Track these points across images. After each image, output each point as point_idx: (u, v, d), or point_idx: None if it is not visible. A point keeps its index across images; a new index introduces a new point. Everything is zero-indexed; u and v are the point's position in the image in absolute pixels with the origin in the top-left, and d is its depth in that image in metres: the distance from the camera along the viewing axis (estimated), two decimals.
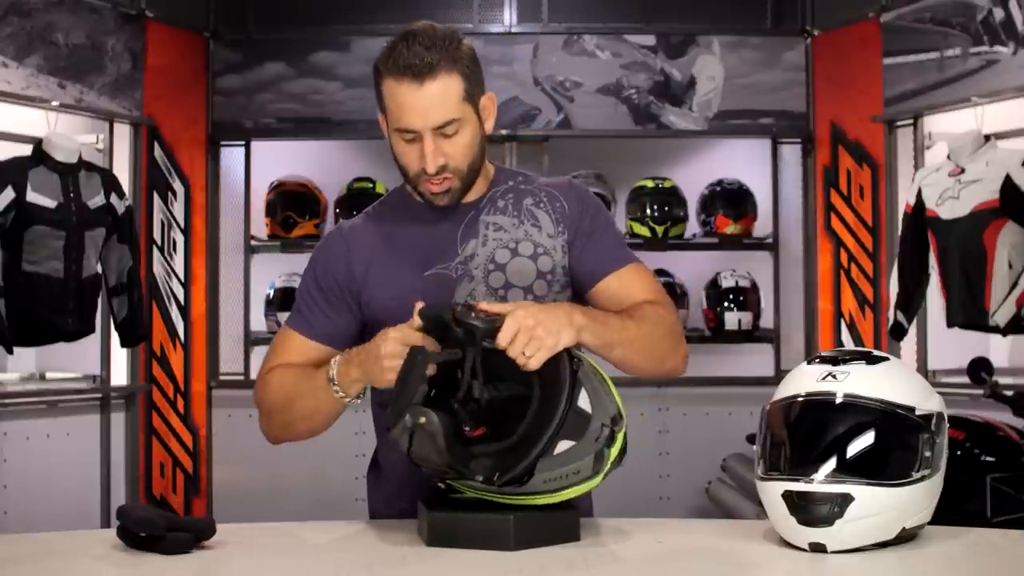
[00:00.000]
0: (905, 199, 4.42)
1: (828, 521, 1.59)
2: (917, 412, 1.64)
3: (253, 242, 5.23)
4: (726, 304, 5.17)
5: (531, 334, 1.65)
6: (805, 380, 1.69)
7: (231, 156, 5.29)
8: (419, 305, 1.72)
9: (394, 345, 1.72)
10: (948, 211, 4.13)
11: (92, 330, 4.37)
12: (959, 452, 3.20)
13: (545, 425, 1.62)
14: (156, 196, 5.00)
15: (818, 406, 1.66)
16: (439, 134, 1.85)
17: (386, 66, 1.85)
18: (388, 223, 2.00)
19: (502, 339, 1.64)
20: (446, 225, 1.96)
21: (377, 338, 1.76)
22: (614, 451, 1.67)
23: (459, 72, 1.85)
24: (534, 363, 1.65)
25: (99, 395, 4.74)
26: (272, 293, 5.18)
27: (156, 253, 5.01)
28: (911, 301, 4.36)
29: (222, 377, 5.20)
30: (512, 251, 1.96)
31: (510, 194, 2.00)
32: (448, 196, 1.91)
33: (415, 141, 1.86)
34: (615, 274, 1.97)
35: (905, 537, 1.64)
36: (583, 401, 1.65)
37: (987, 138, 4.12)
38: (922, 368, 4.56)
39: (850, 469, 1.60)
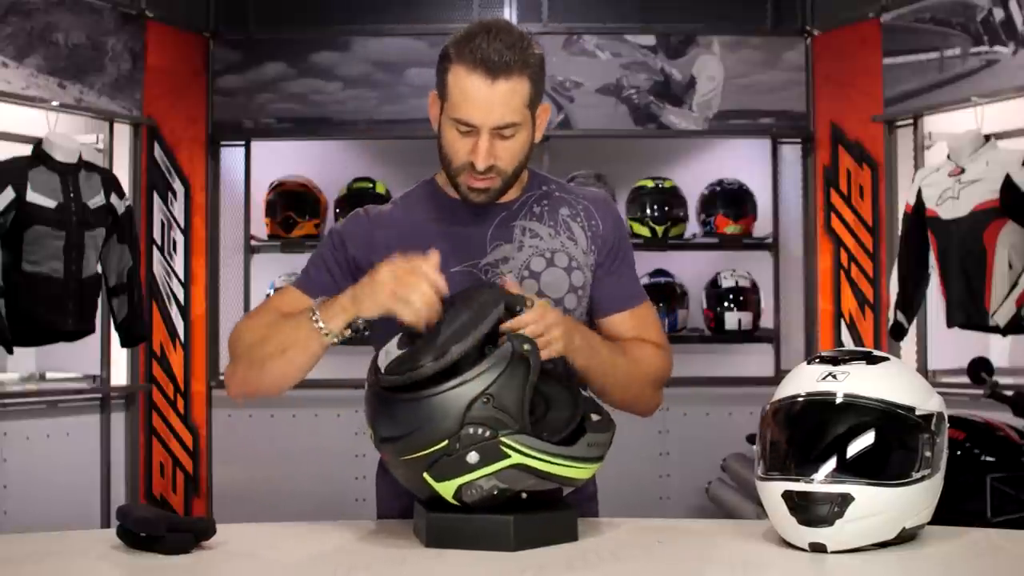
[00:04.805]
0: (905, 199, 4.42)
1: (828, 521, 1.58)
2: (917, 412, 1.64)
3: (253, 242, 5.23)
4: (726, 304, 5.17)
5: (549, 331, 1.71)
6: (805, 380, 1.69)
7: (231, 156, 5.29)
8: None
9: (426, 270, 1.71)
10: (948, 211, 4.13)
11: (92, 330, 4.37)
12: (959, 452, 3.19)
13: (573, 402, 1.72)
14: (156, 196, 5.00)
15: (818, 406, 1.66)
16: (496, 134, 1.84)
17: (460, 54, 1.82)
18: (417, 214, 1.99)
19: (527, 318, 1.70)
20: (476, 223, 1.96)
21: (382, 268, 1.73)
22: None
23: (528, 77, 1.84)
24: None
25: (99, 395, 4.74)
26: (272, 293, 5.18)
27: (156, 253, 5.01)
28: (911, 301, 4.36)
29: (222, 377, 5.18)
30: (548, 260, 1.96)
31: (545, 201, 2.01)
32: (486, 195, 1.90)
33: (470, 135, 1.84)
34: (630, 311, 2.01)
35: (905, 537, 1.64)
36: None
37: (987, 138, 4.12)
38: (922, 368, 4.56)
39: (850, 469, 1.60)
